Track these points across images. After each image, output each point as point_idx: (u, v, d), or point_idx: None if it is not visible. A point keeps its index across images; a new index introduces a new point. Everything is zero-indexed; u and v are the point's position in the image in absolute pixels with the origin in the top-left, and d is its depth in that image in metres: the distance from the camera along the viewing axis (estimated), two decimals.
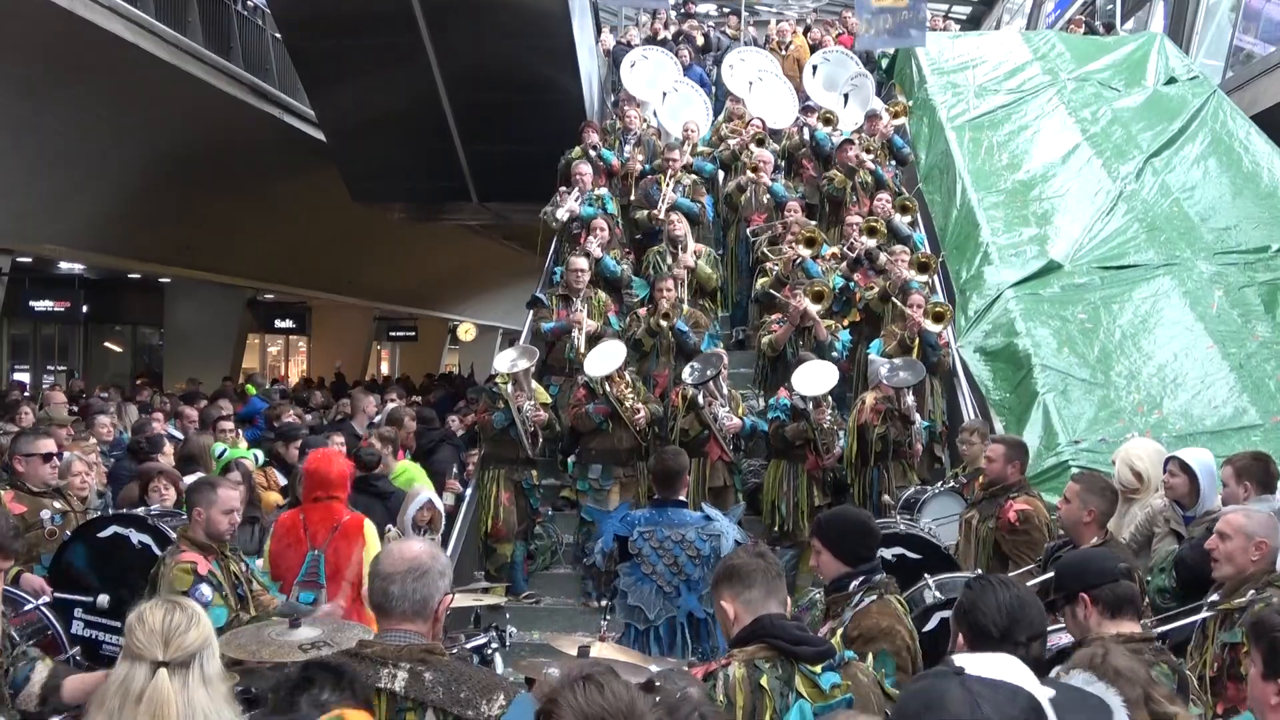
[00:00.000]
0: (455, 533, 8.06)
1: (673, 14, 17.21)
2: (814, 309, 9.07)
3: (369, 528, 5.55)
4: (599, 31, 16.85)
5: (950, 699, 1.85)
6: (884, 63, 15.42)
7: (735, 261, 11.17)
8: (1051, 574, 4.08)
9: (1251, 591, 4.14)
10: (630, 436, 8.31)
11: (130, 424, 10.77)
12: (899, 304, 9.02)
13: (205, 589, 4.64)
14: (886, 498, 7.73)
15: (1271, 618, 2.95)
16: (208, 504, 4.87)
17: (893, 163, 12.09)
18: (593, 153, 11.36)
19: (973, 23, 23.26)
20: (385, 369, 35.04)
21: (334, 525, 5.44)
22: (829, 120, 12.26)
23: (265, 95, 17.09)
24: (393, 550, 3.04)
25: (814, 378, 7.98)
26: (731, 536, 5.67)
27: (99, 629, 5.24)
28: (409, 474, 8.27)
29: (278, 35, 16.29)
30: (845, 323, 9.53)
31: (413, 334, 33.64)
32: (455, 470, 9.24)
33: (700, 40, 16.07)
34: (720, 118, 13.43)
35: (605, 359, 8.36)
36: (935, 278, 10.16)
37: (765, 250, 10.32)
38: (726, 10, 19.12)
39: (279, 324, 29.53)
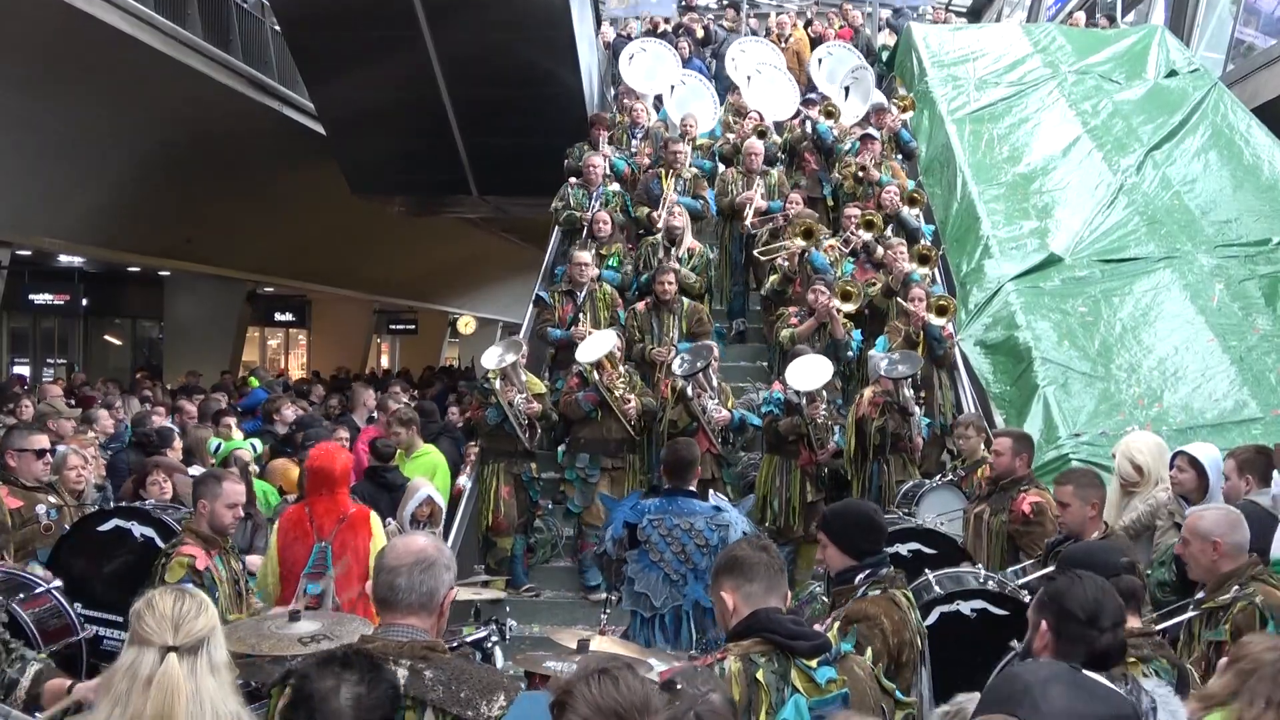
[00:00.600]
0: (455, 527, 8.05)
1: (674, 7, 17.17)
2: (846, 308, 9.02)
3: (375, 520, 5.54)
4: (599, 24, 16.83)
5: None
6: (884, 55, 15.41)
7: (729, 258, 11.13)
8: (1053, 568, 4.07)
9: (1235, 588, 4.15)
10: (620, 427, 8.24)
11: (130, 418, 10.77)
12: (901, 300, 8.98)
13: (188, 585, 4.62)
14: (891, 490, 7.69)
15: None
16: (212, 497, 4.87)
17: (899, 156, 12.07)
18: (605, 162, 11.17)
19: (973, 15, 23.18)
20: (385, 362, 35.03)
21: (340, 517, 5.42)
22: (830, 113, 12.23)
23: (265, 88, 17.09)
24: (397, 544, 3.03)
25: (808, 372, 7.92)
26: (740, 528, 5.66)
27: (99, 624, 5.23)
28: (429, 457, 8.31)
29: (277, 28, 16.28)
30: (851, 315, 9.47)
31: (413, 327, 33.63)
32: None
33: (700, 33, 16.04)
34: (724, 111, 13.41)
35: (595, 345, 8.33)
36: (936, 271, 10.13)
37: (765, 245, 10.29)
38: (726, 3, 19.07)
39: (279, 317, 29.57)
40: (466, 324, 31.32)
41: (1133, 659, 3.29)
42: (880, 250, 9.86)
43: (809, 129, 12.12)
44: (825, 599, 4.58)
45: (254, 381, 16.34)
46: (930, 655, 3.86)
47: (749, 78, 13.25)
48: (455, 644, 4.34)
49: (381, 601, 2.92)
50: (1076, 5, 20.20)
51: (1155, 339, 9.19)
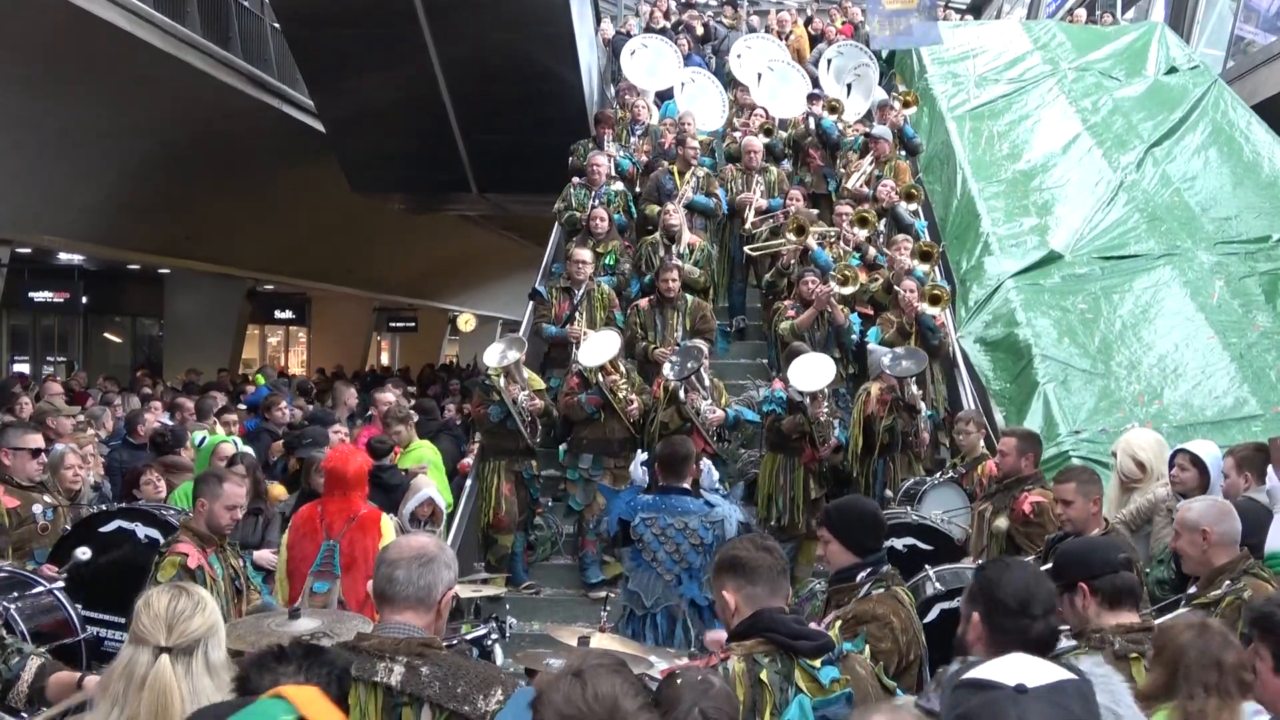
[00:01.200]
0: (455, 524, 8.05)
1: (673, 3, 17.15)
2: (844, 292, 9.00)
3: (386, 522, 5.53)
4: (598, 21, 16.80)
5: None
6: (884, 53, 15.38)
7: (729, 256, 11.13)
8: (1051, 564, 4.07)
9: (1227, 583, 4.14)
10: (623, 427, 8.24)
11: (126, 416, 10.76)
12: (900, 291, 8.96)
13: (190, 585, 4.62)
14: (889, 493, 7.67)
15: (1278, 613, 2.94)
16: (212, 497, 4.87)
17: (902, 152, 12.06)
18: (609, 161, 11.14)
19: (973, 12, 23.20)
20: (385, 360, 35.02)
21: (350, 517, 5.44)
22: (834, 109, 12.21)
23: (264, 85, 17.07)
24: (400, 541, 3.06)
25: (810, 373, 7.90)
26: (735, 519, 5.64)
27: (101, 625, 5.22)
28: (419, 451, 8.31)
29: (277, 25, 16.25)
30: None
31: (413, 325, 33.60)
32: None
33: (700, 30, 16.02)
34: (728, 109, 13.40)
35: (599, 349, 8.31)
36: (937, 269, 10.12)
37: (763, 242, 10.28)
38: (724, 0, 19.05)
39: (279, 315, 29.55)
40: (466, 321, 31.15)
41: (1134, 654, 3.28)
42: (872, 251, 9.85)
43: (813, 125, 12.10)
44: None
45: (260, 379, 16.33)
46: (931, 652, 3.86)
47: (759, 75, 13.21)
48: (453, 641, 4.34)
49: (379, 595, 2.93)
50: (1076, 2, 20.20)
51: (1155, 336, 9.19)
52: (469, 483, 8.55)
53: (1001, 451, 6.31)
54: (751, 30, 16.87)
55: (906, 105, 12.46)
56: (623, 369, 8.38)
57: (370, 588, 3.00)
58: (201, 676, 2.72)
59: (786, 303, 9.29)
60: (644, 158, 11.57)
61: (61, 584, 4.98)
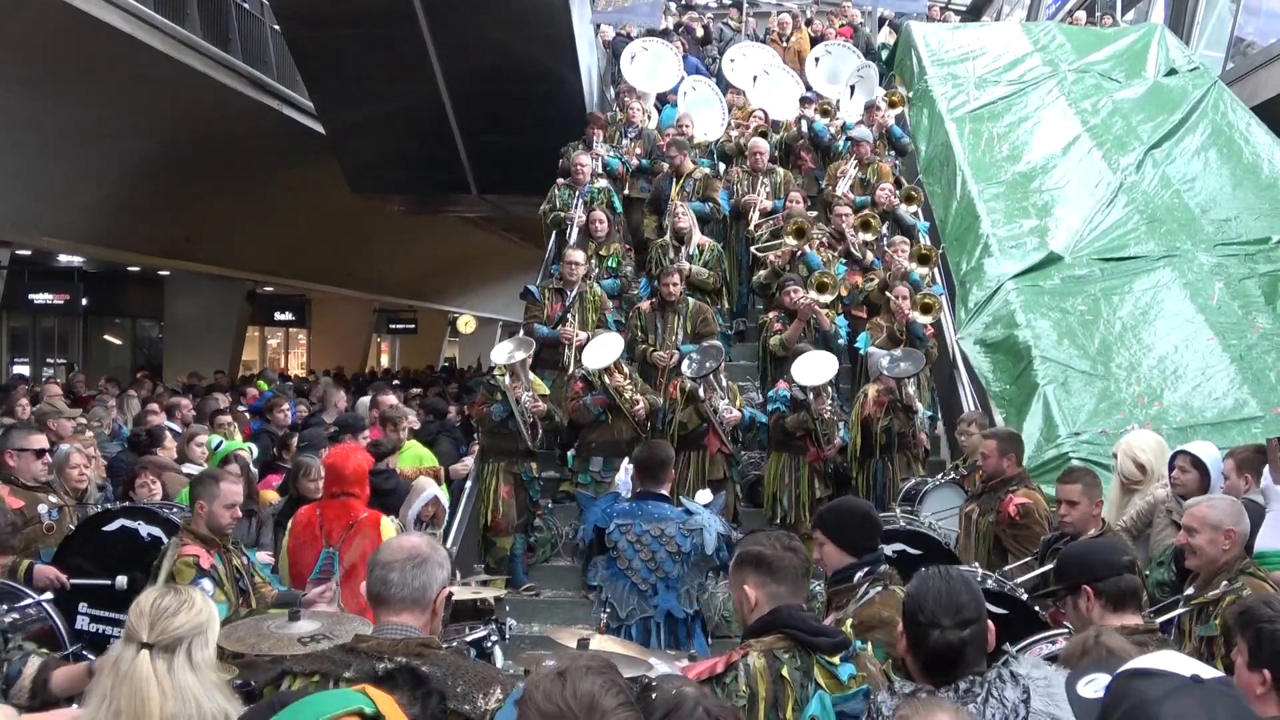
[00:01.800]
0: (455, 526, 8.04)
1: (673, 6, 17.18)
2: (823, 299, 9.02)
3: (386, 524, 5.48)
4: (598, 23, 16.81)
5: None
6: (884, 54, 15.40)
7: (736, 259, 11.14)
8: (1050, 566, 4.07)
9: (1224, 583, 4.15)
10: (630, 428, 8.28)
11: (131, 417, 10.76)
12: (892, 296, 8.98)
13: (207, 583, 4.63)
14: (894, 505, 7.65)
15: (1259, 608, 2.97)
16: (210, 498, 4.87)
17: (891, 153, 12.06)
18: (594, 161, 11.14)
19: (973, 14, 23.21)
20: (385, 361, 35.04)
21: (349, 522, 5.38)
22: (827, 111, 12.23)
23: (264, 87, 17.08)
24: (392, 542, 3.06)
25: (813, 368, 7.94)
26: (714, 530, 5.41)
27: (105, 623, 5.23)
28: (413, 450, 8.32)
29: (276, 27, 16.26)
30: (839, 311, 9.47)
31: (412, 326, 33.63)
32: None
33: (700, 32, 16.03)
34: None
35: (603, 351, 8.32)
36: (936, 270, 10.13)
37: (766, 243, 10.28)
38: (728, 2, 19.07)
39: (279, 316, 29.59)
40: (466, 323, 31.33)
41: None
42: (869, 255, 9.86)
43: (805, 128, 12.11)
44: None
45: (263, 385, 16.32)
46: None
47: (755, 78, 13.24)
48: (452, 642, 4.33)
49: (375, 598, 2.93)
50: (1076, 4, 20.21)
51: (1155, 337, 9.18)
52: (469, 484, 8.56)
53: (984, 454, 6.36)
54: (753, 34, 16.89)
55: (893, 105, 12.46)
56: (626, 370, 8.39)
57: (364, 590, 3.00)
58: (185, 673, 2.76)
59: (772, 315, 9.31)
60: (635, 160, 11.57)
61: (51, 596, 4.99)
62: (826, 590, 3.98)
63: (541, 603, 8.25)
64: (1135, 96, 12.73)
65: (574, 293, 9.36)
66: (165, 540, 5.34)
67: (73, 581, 5.34)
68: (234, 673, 3.31)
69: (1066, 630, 3.77)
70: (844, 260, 9.98)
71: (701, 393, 8.09)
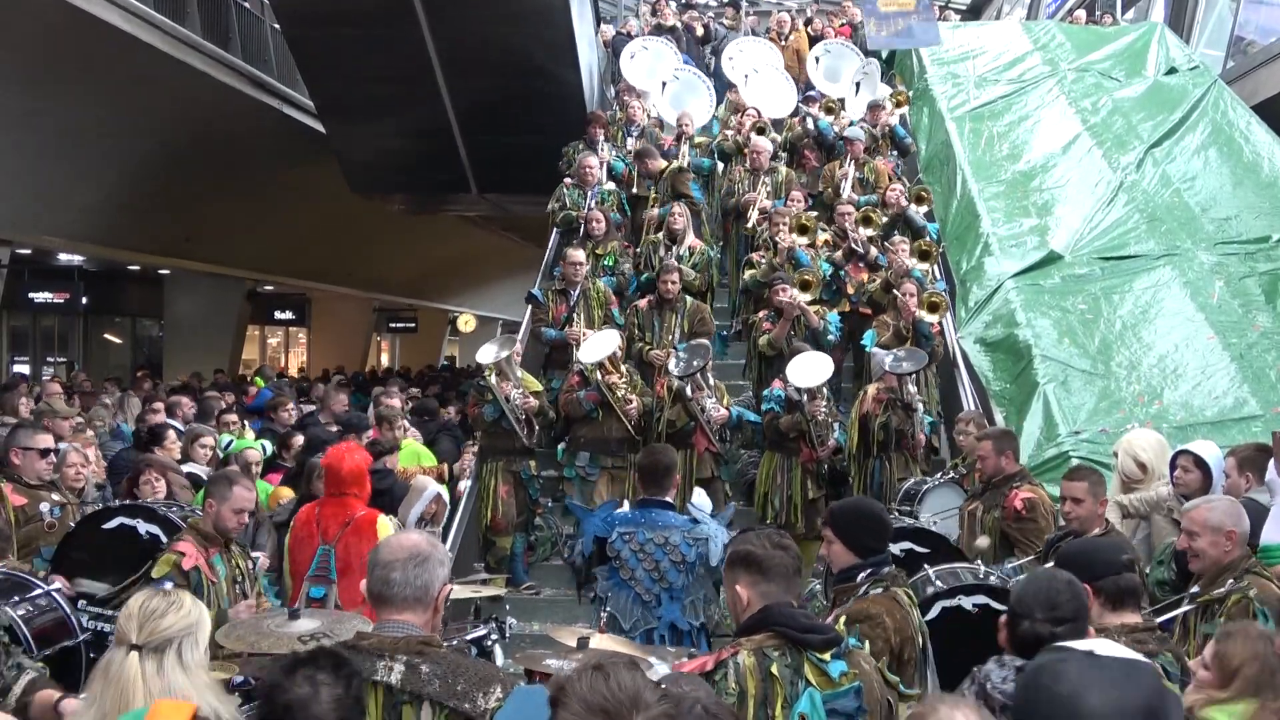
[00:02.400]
0: (455, 525, 8.05)
1: (673, 5, 17.15)
2: (803, 298, 9.00)
3: (384, 523, 5.48)
4: (599, 22, 16.82)
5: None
6: (884, 53, 15.38)
7: (736, 257, 11.14)
8: (1052, 564, 4.07)
9: (1230, 581, 4.15)
10: (621, 426, 8.21)
11: (132, 416, 10.76)
12: (899, 294, 8.97)
13: (167, 584, 4.62)
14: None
15: None
16: (221, 499, 4.89)
17: (894, 153, 12.05)
18: (601, 164, 11.18)
19: (973, 13, 23.20)
20: (385, 360, 35.03)
21: (346, 521, 5.39)
22: (831, 109, 12.23)
23: (264, 86, 17.08)
24: (391, 541, 3.05)
25: (809, 369, 7.92)
26: (720, 540, 5.26)
27: (105, 620, 5.23)
28: (411, 448, 8.32)
29: (276, 26, 16.26)
30: (833, 310, 9.45)
31: (412, 325, 33.63)
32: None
33: (700, 31, 16.02)
34: (723, 108, 13.42)
35: (598, 346, 8.31)
36: (936, 267, 10.13)
37: (765, 240, 10.27)
38: (725, 1, 19.06)
39: (278, 315, 29.57)
40: (466, 322, 31.36)
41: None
42: (874, 251, 9.86)
43: (809, 126, 12.11)
44: (824, 599, 4.57)
45: (260, 382, 16.32)
46: (937, 647, 3.86)
47: (746, 76, 13.27)
48: (453, 640, 4.33)
49: (376, 597, 2.93)
50: (1076, 3, 20.21)
51: (1155, 336, 9.18)
52: (469, 484, 8.56)
53: (980, 455, 6.35)
54: (751, 32, 16.88)
55: (899, 105, 12.45)
56: (623, 369, 8.38)
57: (364, 589, 2.99)
58: (175, 674, 2.79)
59: (762, 314, 9.31)
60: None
61: (59, 585, 4.99)
62: (831, 589, 3.98)
63: (541, 601, 8.25)
64: (1135, 95, 12.74)
65: (577, 292, 9.36)
66: (163, 538, 5.35)
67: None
68: (234, 671, 3.32)
69: None
70: (846, 259, 9.98)
71: (689, 391, 8.07)
